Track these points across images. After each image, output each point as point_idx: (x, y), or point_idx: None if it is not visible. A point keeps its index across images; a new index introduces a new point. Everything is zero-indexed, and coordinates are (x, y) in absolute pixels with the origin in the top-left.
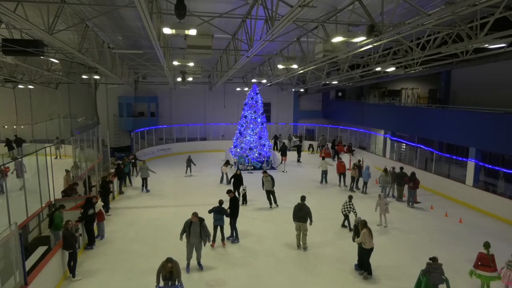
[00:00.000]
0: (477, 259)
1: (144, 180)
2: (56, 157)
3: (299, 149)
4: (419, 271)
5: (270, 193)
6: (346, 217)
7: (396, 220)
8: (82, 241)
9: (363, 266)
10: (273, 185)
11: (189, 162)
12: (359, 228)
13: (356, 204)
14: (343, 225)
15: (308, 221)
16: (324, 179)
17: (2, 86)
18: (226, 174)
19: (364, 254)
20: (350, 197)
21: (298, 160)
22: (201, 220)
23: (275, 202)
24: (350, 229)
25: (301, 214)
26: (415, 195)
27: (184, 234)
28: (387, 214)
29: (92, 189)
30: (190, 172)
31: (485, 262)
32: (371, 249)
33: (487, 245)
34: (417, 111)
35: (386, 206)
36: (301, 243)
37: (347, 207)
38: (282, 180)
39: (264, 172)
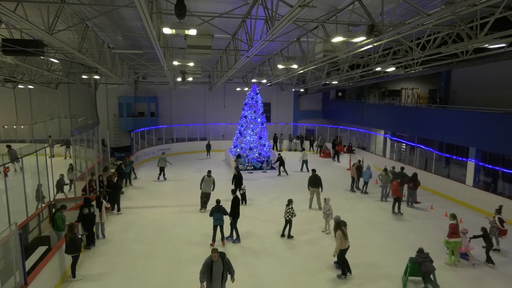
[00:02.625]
0: (451, 230)
1: (162, 169)
2: (53, 156)
3: (282, 163)
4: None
5: (206, 197)
6: (289, 222)
7: (396, 220)
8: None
9: (342, 265)
10: (213, 188)
11: (208, 147)
12: (333, 229)
13: (355, 204)
14: (283, 234)
15: (320, 188)
16: (305, 167)
17: (2, 86)
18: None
19: (339, 254)
20: (290, 201)
21: (280, 173)
22: (223, 256)
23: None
24: (289, 237)
25: (315, 182)
26: (415, 195)
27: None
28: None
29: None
30: (209, 155)
31: (456, 231)
32: (346, 249)
33: (454, 216)
34: (417, 111)
35: (329, 212)
36: (316, 204)
37: (289, 212)
38: (282, 180)
39: (208, 172)
